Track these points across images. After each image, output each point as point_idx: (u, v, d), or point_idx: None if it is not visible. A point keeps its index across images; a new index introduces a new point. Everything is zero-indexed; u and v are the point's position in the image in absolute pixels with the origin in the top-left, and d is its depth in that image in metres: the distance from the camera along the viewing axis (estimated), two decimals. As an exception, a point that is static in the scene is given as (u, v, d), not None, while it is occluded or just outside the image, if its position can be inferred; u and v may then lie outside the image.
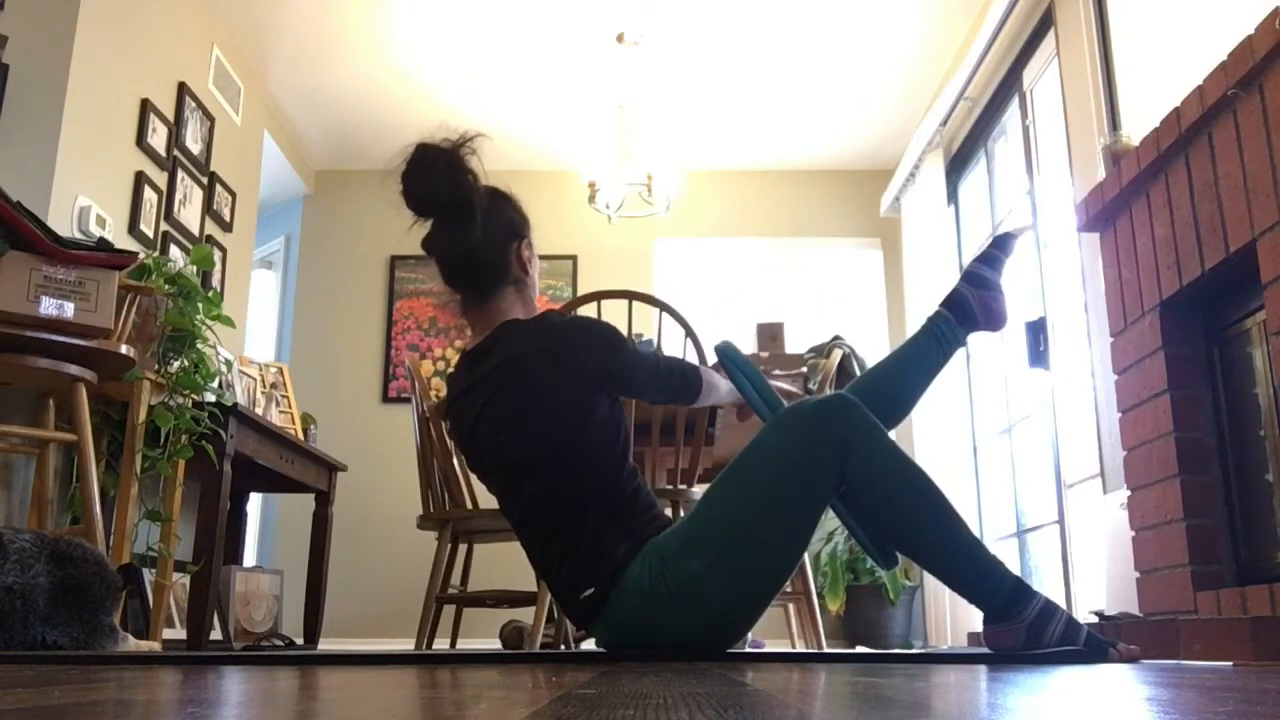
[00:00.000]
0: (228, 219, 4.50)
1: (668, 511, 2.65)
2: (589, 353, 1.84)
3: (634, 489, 1.84)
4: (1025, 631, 1.70)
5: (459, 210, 1.86)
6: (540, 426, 1.81)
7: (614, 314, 2.50)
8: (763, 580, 1.76)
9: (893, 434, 1.84)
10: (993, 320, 2.08)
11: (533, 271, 1.98)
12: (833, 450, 1.72)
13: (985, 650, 1.76)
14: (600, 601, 1.76)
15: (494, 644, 3.88)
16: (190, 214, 4.13)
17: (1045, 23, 3.87)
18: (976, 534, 1.79)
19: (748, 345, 4.23)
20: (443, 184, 1.84)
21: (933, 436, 4.76)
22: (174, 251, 3.95)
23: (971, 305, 2.06)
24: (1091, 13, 3.34)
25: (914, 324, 5.14)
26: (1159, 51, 2.92)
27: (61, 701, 0.78)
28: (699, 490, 2.68)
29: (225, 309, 3.29)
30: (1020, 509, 4.31)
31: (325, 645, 4.31)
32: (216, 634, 3.31)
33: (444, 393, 5.27)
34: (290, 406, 4.26)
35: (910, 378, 2.05)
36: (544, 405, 1.81)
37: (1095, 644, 1.70)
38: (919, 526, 1.74)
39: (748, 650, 2.71)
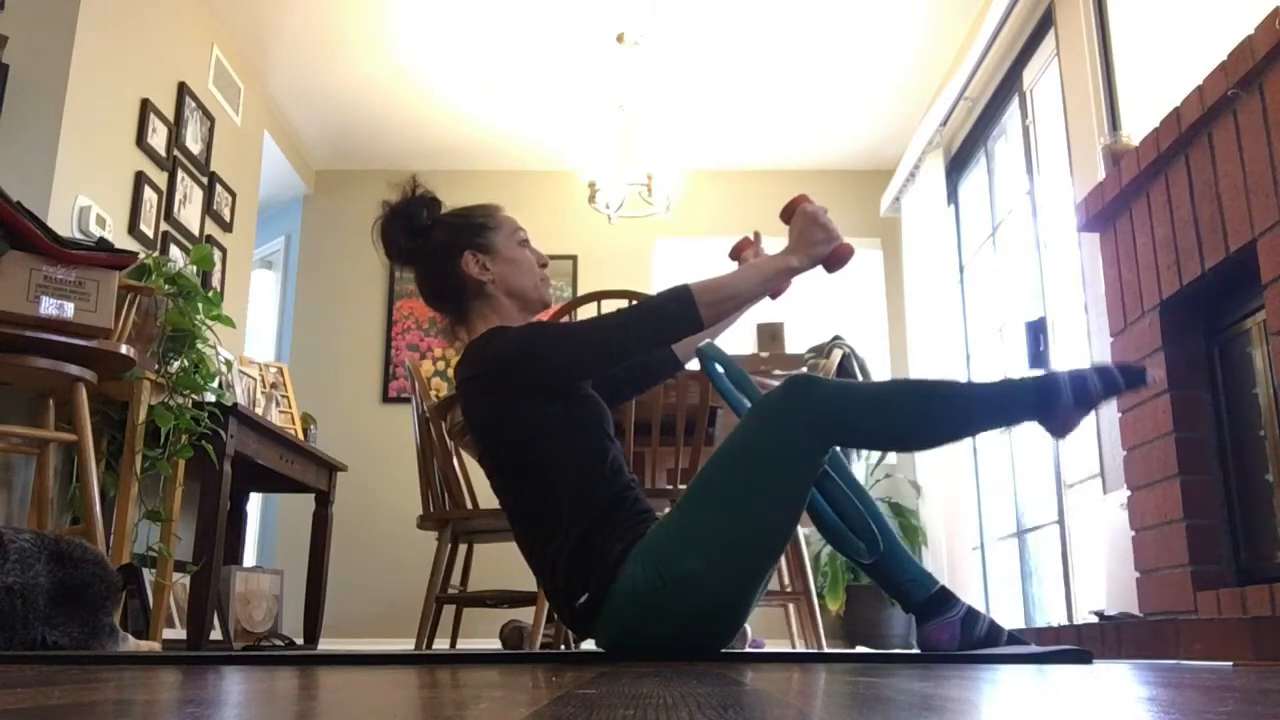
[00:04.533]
0: (228, 219, 4.50)
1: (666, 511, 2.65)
2: (494, 360, 1.84)
3: (621, 488, 1.84)
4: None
5: (416, 256, 2.02)
6: (489, 446, 1.86)
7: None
8: (757, 564, 1.79)
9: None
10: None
11: (495, 271, 1.96)
12: (807, 429, 1.75)
13: (985, 650, 1.76)
14: (597, 605, 1.77)
15: (494, 644, 3.88)
16: (190, 214, 4.13)
17: (1045, 23, 3.87)
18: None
19: (748, 345, 4.23)
20: (401, 236, 1.99)
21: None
22: (174, 251, 3.95)
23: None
24: (1091, 13, 3.34)
25: (914, 324, 5.14)
26: (1159, 51, 2.92)
27: (61, 701, 0.78)
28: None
29: (225, 309, 3.28)
30: (1020, 509, 4.31)
31: (325, 645, 4.30)
32: (216, 634, 3.31)
33: (444, 393, 5.27)
34: (290, 406, 4.26)
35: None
36: (488, 427, 1.86)
37: (1131, 372, 1.76)
38: (928, 416, 1.78)
39: (748, 650, 2.71)
